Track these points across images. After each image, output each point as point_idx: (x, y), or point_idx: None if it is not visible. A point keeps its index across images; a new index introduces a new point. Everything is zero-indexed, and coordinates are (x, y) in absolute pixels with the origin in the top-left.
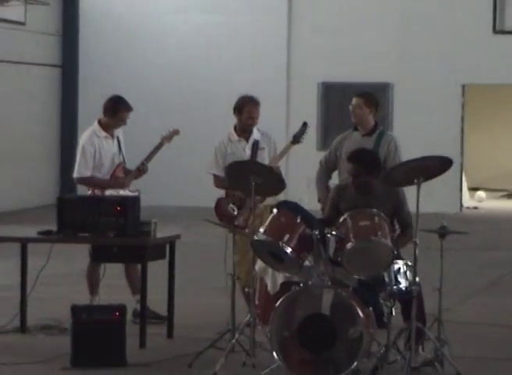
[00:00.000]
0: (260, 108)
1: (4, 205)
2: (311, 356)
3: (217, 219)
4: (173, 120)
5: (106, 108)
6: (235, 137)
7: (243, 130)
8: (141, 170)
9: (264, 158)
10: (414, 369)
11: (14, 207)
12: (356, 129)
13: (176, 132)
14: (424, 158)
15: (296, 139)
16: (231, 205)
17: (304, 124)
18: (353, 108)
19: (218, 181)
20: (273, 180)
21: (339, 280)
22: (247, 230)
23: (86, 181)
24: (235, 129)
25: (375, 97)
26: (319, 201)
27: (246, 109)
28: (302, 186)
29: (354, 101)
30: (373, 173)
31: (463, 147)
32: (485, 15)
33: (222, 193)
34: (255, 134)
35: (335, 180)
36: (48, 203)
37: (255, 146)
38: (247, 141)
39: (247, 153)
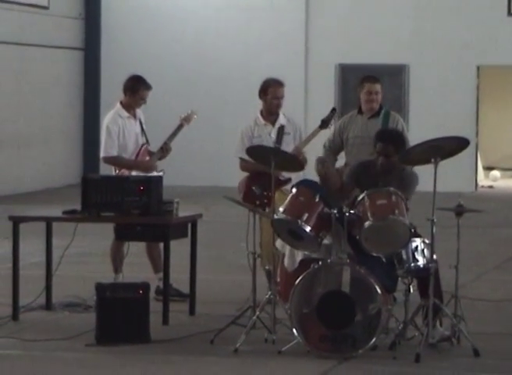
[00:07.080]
0: (284, 89)
1: (29, 186)
2: (330, 332)
3: (239, 196)
4: (192, 102)
5: (126, 88)
6: (261, 121)
7: (270, 112)
8: (165, 150)
9: (289, 143)
10: (432, 344)
11: (39, 187)
12: (359, 111)
13: (193, 114)
14: (441, 139)
15: (325, 124)
16: (255, 187)
17: (333, 110)
18: (375, 94)
19: (244, 164)
20: (294, 165)
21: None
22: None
23: (113, 161)
24: (261, 113)
25: None
26: None
27: (270, 90)
28: None
29: (374, 87)
30: (400, 152)
31: (478, 127)
32: None
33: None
34: (281, 119)
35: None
36: (71, 183)
37: (281, 131)
38: (273, 125)
39: (272, 137)
